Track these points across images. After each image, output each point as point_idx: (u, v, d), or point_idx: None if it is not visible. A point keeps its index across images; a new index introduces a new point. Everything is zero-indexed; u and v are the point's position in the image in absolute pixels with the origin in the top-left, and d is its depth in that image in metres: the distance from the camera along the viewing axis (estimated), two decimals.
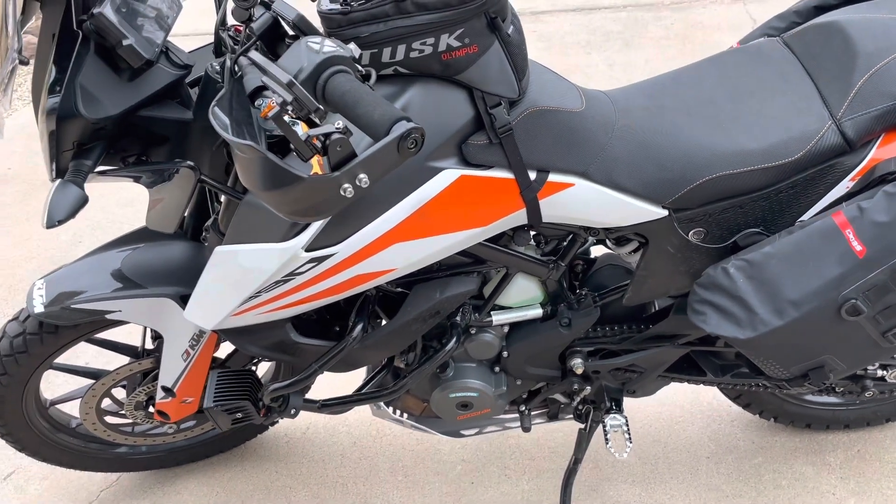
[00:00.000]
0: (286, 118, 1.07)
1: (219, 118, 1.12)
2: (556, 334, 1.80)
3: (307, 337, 1.67)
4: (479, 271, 1.73)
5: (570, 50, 4.45)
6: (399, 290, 1.74)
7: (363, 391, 1.83)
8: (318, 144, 1.07)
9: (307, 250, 1.44)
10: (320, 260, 1.47)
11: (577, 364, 1.85)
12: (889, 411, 2.19)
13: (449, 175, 1.46)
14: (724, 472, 2.22)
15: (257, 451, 2.41)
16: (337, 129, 1.07)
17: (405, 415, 2.10)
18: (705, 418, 2.38)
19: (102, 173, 1.50)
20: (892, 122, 1.46)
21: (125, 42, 1.35)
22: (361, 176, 1.10)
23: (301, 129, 1.09)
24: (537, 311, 1.80)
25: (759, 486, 2.16)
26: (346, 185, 1.10)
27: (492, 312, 1.79)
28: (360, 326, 1.64)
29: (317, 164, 1.15)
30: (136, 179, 1.52)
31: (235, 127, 1.13)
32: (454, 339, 1.73)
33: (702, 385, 2.00)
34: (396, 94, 1.39)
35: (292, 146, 1.08)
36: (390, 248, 1.50)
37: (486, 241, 1.62)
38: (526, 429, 1.94)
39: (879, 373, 1.89)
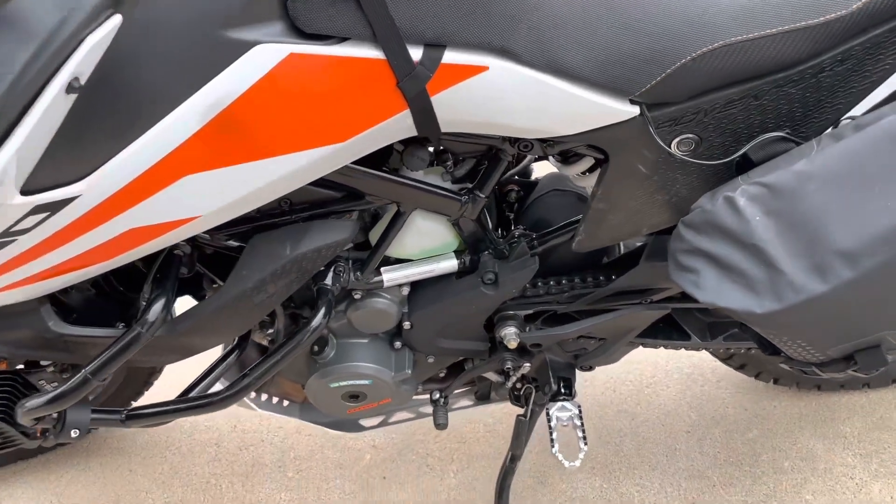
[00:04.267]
0: None
1: None
2: (477, 295, 1.24)
3: (77, 324, 1.07)
4: (355, 210, 1.14)
5: None
6: (233, 243, 1.14)
7: (192, 393, 1.25)
8: None
9: (25, 193, 0.83)
10: (55, 208, 0.86)
11: (510, 335, 1.29)
12: None
13: (267, 54, 0.85)
14: (709, 451, 1.71)
15: (108, 443, 1.85)
16: None
17: (285, 402, 1.55)
18: (683, 379, 1.86)
19: None
20: None
21: None
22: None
23: None
24: (449, 264, 1.23)
25: (755, 471, 1.66)
26: None
27: (382, 269, 1.21)
28: (158, 305, 1.04)
29: None
30: None
31: None
32: (322, 313, 1.15)
33: (679, 349, 1.46)
34: None
35: None
36: (180, 182, 0.90)
37: (358, 163, 1.03)
38: (440, 425, 1.39)
39: None
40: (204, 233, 1.09)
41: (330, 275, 1.19)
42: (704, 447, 1.72)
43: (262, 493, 1.71)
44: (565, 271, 1.31)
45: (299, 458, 1.78)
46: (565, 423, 1.32)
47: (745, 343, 1.39)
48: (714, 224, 0.95)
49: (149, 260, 1.11)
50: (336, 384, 1.33)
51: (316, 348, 1.32)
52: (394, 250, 1.22)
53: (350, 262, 1.22)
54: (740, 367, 1.68)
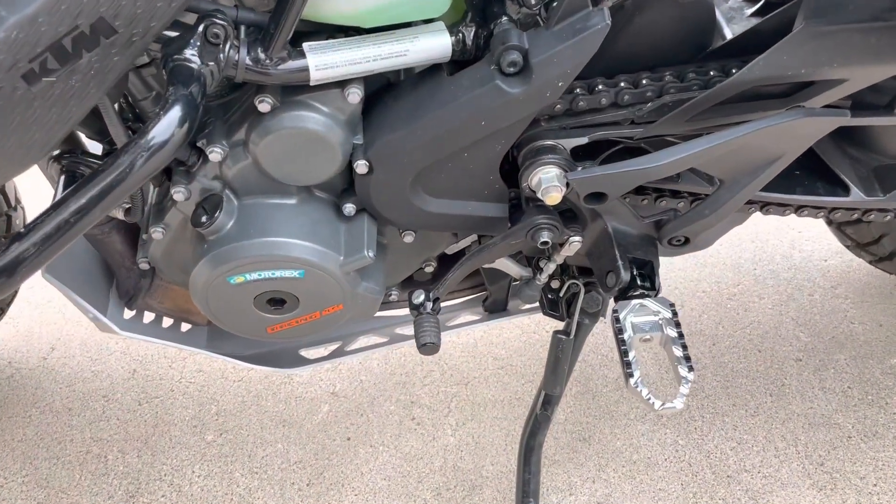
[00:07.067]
0: None
1: None
2: (490, 100, 0.66)
3: None
4: None
5: None
6: None
7: None
8: None
9: None
10: None
11: (549, 181, 0.72)
12: None
13: None
14: (834, 387, 1.15)
15: None
16: None
17: (184, 326, 0.98)
18: (781, 286, 1.29)
19: None
20: None
21: None
22: None
23: None
24: (436, 43, 0.67)
25: None
26: None
27: (305, 46, 0.63)
28: None
29: None
30: None
31: None
32: (174, 114, 0.56)
33: (819, 216, 0.87)
34: None
35: None
36: None
37: None
38: (427, 346, 0.79)
39: None
40: None
41: (195, 42, 0.59)
42: (827, 381, 1.16)
43: (167, 466, 1.15)
44: (645, 64, 0.73)
45: (224, 414, 1.21)
46: (648, 336, 0.74)
47: None
48: None
49: None
50: (239, 277, 0.75)
51: (203, 218, 0.73)
52: (329, 7, 0.62)
53: (241, 28, 0.63)
54: (887, 258, 1.11)
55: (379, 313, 0.95)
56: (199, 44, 0.59)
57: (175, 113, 0.56)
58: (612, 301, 0.82)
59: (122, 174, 0.55)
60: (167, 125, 0.56)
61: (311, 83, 0.65)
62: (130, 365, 1.32)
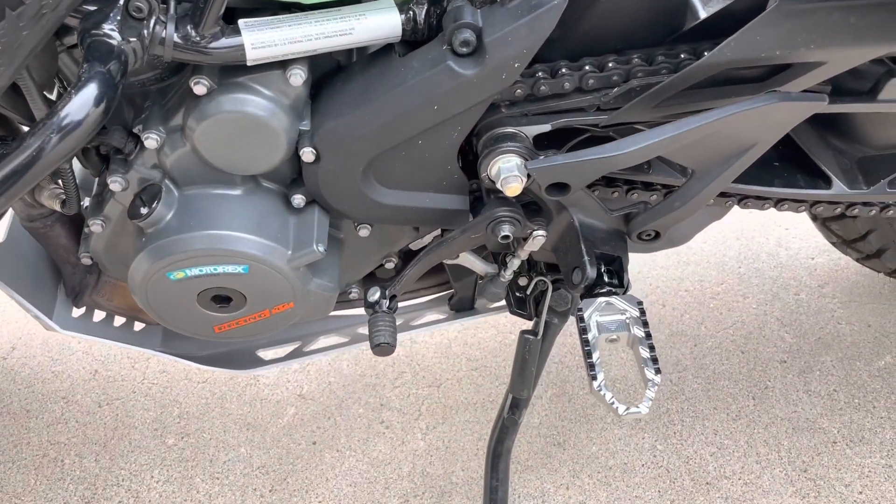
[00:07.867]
0: None
1: None
2: (442, 83, 0.61)
3: None
4: None
5: None
6: None
7: None
8: None
9: None
10: None
11: (509, 171, 0.67)
12: None
13: None
14: (819, 390, 1.11)
15: None
16: None
17: (137, 325, 0.93)
18: (766, 285, 1.25)
19: None
20: None
21: None
22: None
23: None
24: (384, 21, 0.61)
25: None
26: None
27: (241, 23, 0.58)
28: None
29: None
30: None
31: None
32: (90, 91, 0.51)
33: (801, 209, 0.83)
34: None
35: None
36: None
37: None
38: (380, 346, 0.74)
39: None
40: None
41: (115, 16, 0.55)
42: (812, 384, 1.11)
43: (125, 470, 1.10)
44: (612, 47, 0.68)
45: (186, 417, 1.17)
46: (614, 336, 0.70)
47: None
48: None
49: None
50: (179, 273, 0.70)
51: (142, 209, 0.69)
52: None
53: (170, 2, 0.58)
54: (875, 256, 1.06)
55: (339, 312, 0.91)
56: (119, 18, 0.55)
57: (89, 92, 0.52)
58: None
59: (30, 157, 0.51)
60: (80, 105, 0.51)
61: (249, 63, 0.60)
62: (92, 365, 1.27)
